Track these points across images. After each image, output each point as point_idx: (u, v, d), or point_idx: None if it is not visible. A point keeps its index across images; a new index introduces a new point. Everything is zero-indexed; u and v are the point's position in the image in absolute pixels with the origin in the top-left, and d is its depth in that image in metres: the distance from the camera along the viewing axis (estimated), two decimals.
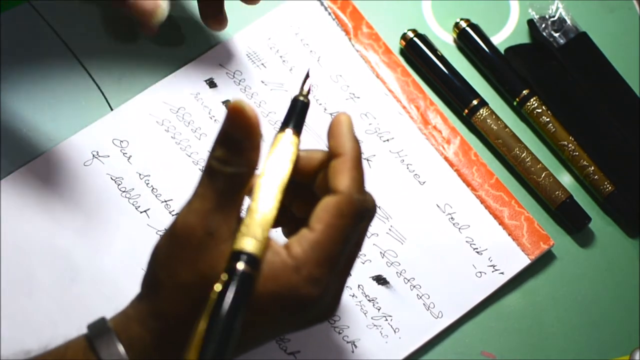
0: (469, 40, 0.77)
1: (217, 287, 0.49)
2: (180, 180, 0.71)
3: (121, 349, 0.52)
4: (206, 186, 0.52)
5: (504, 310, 0.70)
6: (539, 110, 0.75)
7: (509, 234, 0.71)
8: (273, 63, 0.75)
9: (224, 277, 0.50)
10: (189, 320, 0.50)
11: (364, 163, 0.71)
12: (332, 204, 0.52)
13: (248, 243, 0.50)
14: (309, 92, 0.57)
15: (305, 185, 0.56)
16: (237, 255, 0.50)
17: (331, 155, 0.54)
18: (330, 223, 0.52)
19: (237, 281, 0.49)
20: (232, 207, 0.52)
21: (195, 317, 0.50)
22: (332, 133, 0.55)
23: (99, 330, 0.53)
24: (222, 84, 0.74)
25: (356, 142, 0.54)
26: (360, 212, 0.53)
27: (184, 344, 0.50)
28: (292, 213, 0.58)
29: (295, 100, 0.56)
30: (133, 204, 0.70)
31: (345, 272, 0.55)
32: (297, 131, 0.55)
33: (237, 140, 0.52)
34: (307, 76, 0.57)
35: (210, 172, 0.52)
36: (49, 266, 0.67)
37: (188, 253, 0.51)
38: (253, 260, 0.50)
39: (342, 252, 0.53)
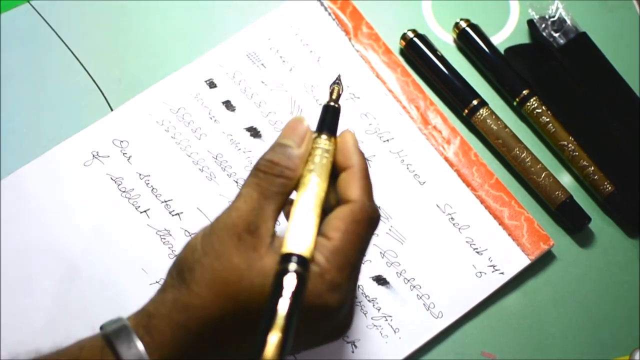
0: (469, 40, 0.77)
1: (291, 282, 0.50)
2: (180, 181, 0.71)
3: (141, 347, 0.52)
4: (251, 187, 0.54)
5: (504, 310, 0.70)
6: (539, 111, 0.75)
7: (509, 234, 0.71)
8: (273, 63, 0.75)
9: (294, 267, 0.50)
10: (214, 316, 0.51)
11: None
12: (347, 212, 0.54)
13: (298, 246, 0.51)
14: (338, 97, 0.59)
15: None
16: (289, 256, 0.51)
17: (340, 169, 0.56)
18: (347, 230, 0.53)
19: (297, 281, 0.50)
20: (274, 209, 0.54)
21: (222, 312, 0.51)
22: (339, 149, 0.57)
23: (116, 329, 0.53)
24: (222, 84, 0.74)
25: (362, 156, 0.56)
26: (372, 219, 0.55)
27: (206, 340, 0.51)
28: None
29: (326, 107, 0.58)
30: (133, 204, 0.70)
31: (357, 283, 0.56)
32: (331, 135, 0.57)
33: (289, 148, 0.55)
34: (337, 82, 0.60)
35: (257, 174, 0.54)
36: (49, 266, 0.67)
37: (227, 248, 0.52)
38: (304, 262, 0.51)
39: (360, 258, 0.54)
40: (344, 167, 0.56)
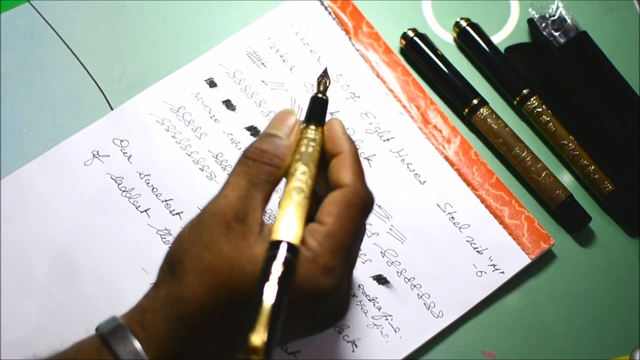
0: (469, 39, 0.77)
1: (277, 268, 0.50)
2: (180, 180, 0.71)
3: (137, 344, 0.52)
4: (239, 175, 0.54)
5: (505, 309, 0.70)
6: (539, 110, 0.75)
7: (510, 234, 0.71)
8: (273, 62, 0.75)
9: (280, 256, 0.51)
10: (207, 305, 0.51)
11: (365, 162, 0.72)
12: (340, 197, 0.54)
13: (287, 233, 0.52)
14: (325, 89, 0.60)
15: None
16: (278, 243, 0.51)
17: (331, 156, 0.56)
18: (340, 214, 0.54)
19: (285, 267, 0.51)
20: (262, 198, 0.54)
21: (215, 301, 0.51)
22: (327, 137, 0.57)
23: (111, 328, 0.53)
24: (222, 84, 0.74)
25: (351, 141, 0.57)
26: (365, 202, 0.55)
27: (202, 330, 0.51)
28: None
29: (314, 98, 0.59)
30: (133, 204, 0.70)
31: (353, 267, 0.57)
32: (319, 125, 0.58)
33: (278, 138, 0.55)
34: (324, 74, 0.60)
35: (246, 162, 0.54)
36: (49, 266, 0.67)
37: (216, 237, 0.52)
38: (294, 249, 0.51)
39: (354, 241, 0.55)
40: (334, 153, 0.56)
